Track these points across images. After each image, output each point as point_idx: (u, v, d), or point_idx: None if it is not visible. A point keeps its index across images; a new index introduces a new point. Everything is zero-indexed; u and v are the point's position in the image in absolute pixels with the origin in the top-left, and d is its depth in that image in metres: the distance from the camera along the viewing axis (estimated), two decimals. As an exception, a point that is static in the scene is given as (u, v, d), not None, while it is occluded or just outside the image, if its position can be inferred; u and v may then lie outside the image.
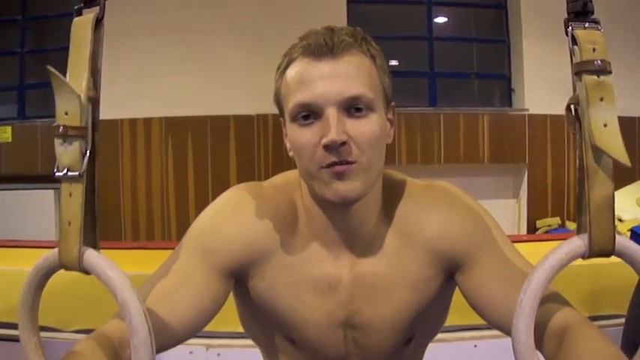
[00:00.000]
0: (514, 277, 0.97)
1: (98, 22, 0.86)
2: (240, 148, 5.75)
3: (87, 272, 0.85)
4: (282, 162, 5.40)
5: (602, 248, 0.83)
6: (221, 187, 4.50)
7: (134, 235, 5.73)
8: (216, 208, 1.11)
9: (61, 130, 0.81)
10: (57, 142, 0.82)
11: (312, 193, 1.06)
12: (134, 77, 5.54)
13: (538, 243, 3.81)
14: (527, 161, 6.04)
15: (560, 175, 6.02)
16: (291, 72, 1.01)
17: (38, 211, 5.67)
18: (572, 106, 0.85)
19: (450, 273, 1.09)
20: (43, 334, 2.73)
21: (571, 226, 5.86)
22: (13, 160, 5.71)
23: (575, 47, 0.85)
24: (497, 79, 6.45)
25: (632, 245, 0.85)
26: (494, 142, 6.00)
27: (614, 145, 0.79)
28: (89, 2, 0.86)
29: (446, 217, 1.08)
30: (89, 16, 0.86)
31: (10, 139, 5.72)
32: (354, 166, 0.96)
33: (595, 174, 0.81)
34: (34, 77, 6.11)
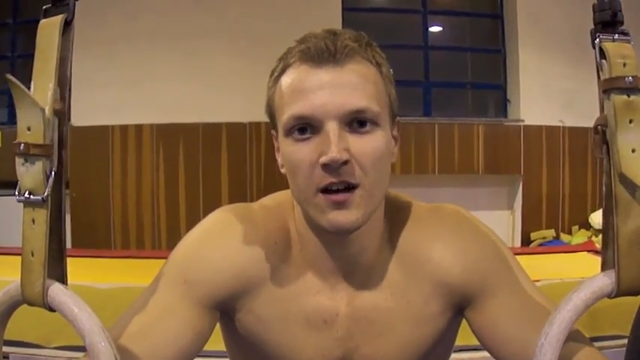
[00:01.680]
0: (533, 314, 0.88)
1: (67, 24, 0.77)
2: (232, 156, 5.70)
3: (52, 309, 0.75)
4: (274, 171, 5.31)
5: (631, 286, 0.74)
6: (212, 194, 4.43)
7: (124, 243, 5.66)
8: (199, 233, 1.01)
9: (22, 148, 0.71)
10: (18, 161, 0.72)
11: (306, 217, 0.96)
12: (126, 82, 5.49)
13: (532, 256, 3.75)
14: (522, 172, 6.02)
15: (555, 187, 5.99)
16: (287, 79, 0.90)
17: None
18: (599, 128, 0.76)
19: (459, 309, 0.99)
20: (24, 350, 2.64)
21: (565, 238, 5.83)
22: (4, 165, 5.59)
23: (604, 62, 0.75)
24: (492, 90, 6.42)
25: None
26: (489, 152, 5.97)
27: None
28: (57, 2, 0.76)
29: (455, 246, 0.98)
30: (57, 18, 0.76)
31: (0, 144, 5.63)
32: (356, 193, 0.87)
33: (624, 204, 0.72)
34: (25, 81, 5.99)
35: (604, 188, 0.75)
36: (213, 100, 5.59)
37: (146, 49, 5.54)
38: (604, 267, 0.77)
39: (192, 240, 1.00)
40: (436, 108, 6.21)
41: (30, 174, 0.71)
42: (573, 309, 0.75)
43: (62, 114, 0.75)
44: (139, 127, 5.65)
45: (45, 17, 0.77)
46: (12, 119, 5.85)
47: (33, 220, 0.72)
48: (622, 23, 0.76)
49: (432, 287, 0.97)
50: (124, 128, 5.63)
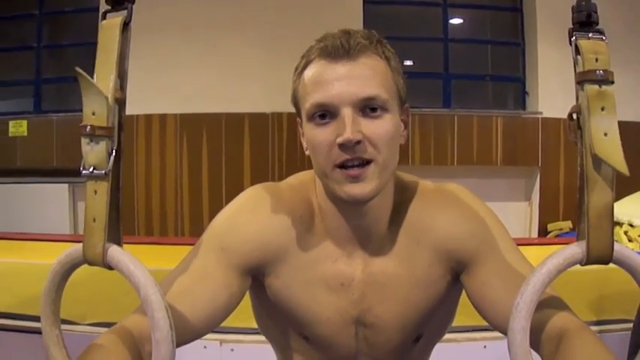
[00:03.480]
0: (516, 280, 0.98)
1: (125, 25, 0.90)
2: (255, 145, 5.79)
3: (110, 268, 0.88)
4: (295, 160, 5.44)
5: (599, 255, 0.85)
6: (235, 184, 4.51)
7: (147, 231, 5.78)
8: (234, 208, 1.14)
9: (88, 129, 0.84)
10: (84, 141, 0.85)
11: (326, 192, 1.09)
12: (150, 73, 5.56)
13: (549, 247, 3.82)
14: (539, 164, 6.06)
15: (573, 179, 5.94)
16: (309, 73, 1.04)
17: (53, 204, 5.75)
18: (574, 115, 0.88)
19: (456, 273, 1.12)
20: (62, 326, 2.81)
21: (582, 230, 5.84)
22: (29, 153, 5.76)
23: (579, 57, 0.86)
24: (511, 82, 6.47)
25: (630, 253, 0.87)
26: (508, 144, 6.02)
27: (614, 154, 0.81)
28: (116, 6, 0.89)
29: (453, 218, 1.11)
30: (117, 19, 0.89)
31: (25, 133, 5.80)
32: (370, 167, 1.00)
33: (594, 182, 0.83)
34: (50, 72, 6.19)
35: (578, 169, 0.87)
36: (237, 90, 5.68)
37: (170, 40, 5.61)
38: (578, 238, 0.88)
39: (228, 213, 1.13)
40: (455, 100, 6.27)
41: (94, 152, 0.85)
42: (546, 273, 0.85)
43: (122, 101, 0.89)
44: (163, 117, 5.75)
45: (104, 19, 0.90)
46: (37, 109, 6.00)
47: (95, 191, 0.85)
48: (597, 23, 0.87)
49: (434, 253, 1.11)
50: (148, 118, 5.74)
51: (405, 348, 1.18)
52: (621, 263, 0.87)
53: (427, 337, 1.21)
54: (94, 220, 0.85)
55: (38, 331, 2.66)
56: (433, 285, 1.12)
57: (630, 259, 0.87)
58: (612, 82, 0.84)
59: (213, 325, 1.05)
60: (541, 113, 6.00)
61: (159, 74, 5.59)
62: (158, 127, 5.76)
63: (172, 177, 5.79)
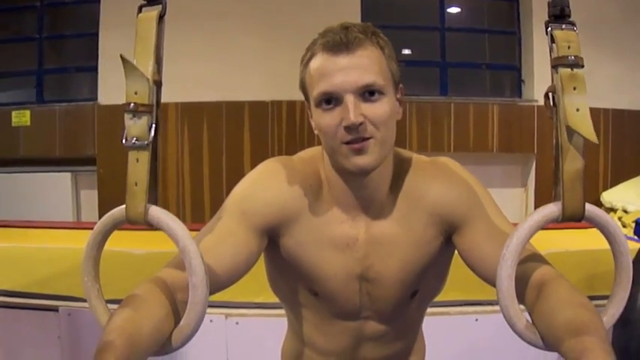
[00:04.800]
0: (501, 238, 1.11)
1: (160, 18, 1.04)
2: (255, 133, 5.85)
3: (150, 225, 1.02)
4: (295, 147, 5.49)
5: (573, 213, 0.99)
6: (235, 171, 4.57)
7: (149, 218, 5.79)
8: (253, 177, 1.30)
9: (131, 106, 0.99)
10: (127, 116, 1.00)
11: (333, 165, 1.24)
12: (151, 62, 5.57)
13: (543, 231, 3.93)
14: (535, 151, 6.11)
15: (568, 165, 6.06)
16: (314, 65, 1.19)
17: (56, 193, 5.83)
18: (550, 94, 1.02)
19: (448, 235, 1.28)
20: (73, 303, 2.88)
21: (577, 216, 5.92)
22: (32, 143, 5.80)
23: (554, 45, 1.01)
24: (507, 70, 6.51)
25: (600, 212, 1.02)
26: (504, 131, 6.07)
27: (585, 126, 0.96)
28: (152, 1, 1.03)
29: (445, 186, 1.27)
30: (153, 12, 1.04)
31: (28, 123, 5.84)
32: (371, 142, 1.15)
33: (568, 151, 0.98)
34: (52, 62, 6.24)
35: (554, 140, 1.01)
36: (237, 79, 5.74)
37: (171, 29, 5.48)
38: (554, 199, 1.02)
39: (248, 182, 1.29)
40: (452, 88, 6.31)
41: (137, 126, 0.99)
42: (527, 228, 1.01)
43: (159, 83, 1.03)
44: (164, 106, 5.59)
45: (140, 12, 1.04)
46: (40, 99, 6.04)
47: (137, 160, 1.00)
48: (569, 16, 1.02)
49: (428, 217, 1.26)
50: (149, 107, 5.75)
51: (404, 303, 1.33)
52: (592, 221, 1.01)
53: (422, 293, 1.36)
54: (136, 185, 1.00)
55: (51, 309, 2.81)
56: (427, 245, 1.28)
57: (600, 217, 1.01)
58: (582, 66, 0.99)
59: (234, 279, 1.19)
60: (537, 101, 6.04)
61: (160, 63, 5.62)
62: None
63: (174, 164, 5.83)
